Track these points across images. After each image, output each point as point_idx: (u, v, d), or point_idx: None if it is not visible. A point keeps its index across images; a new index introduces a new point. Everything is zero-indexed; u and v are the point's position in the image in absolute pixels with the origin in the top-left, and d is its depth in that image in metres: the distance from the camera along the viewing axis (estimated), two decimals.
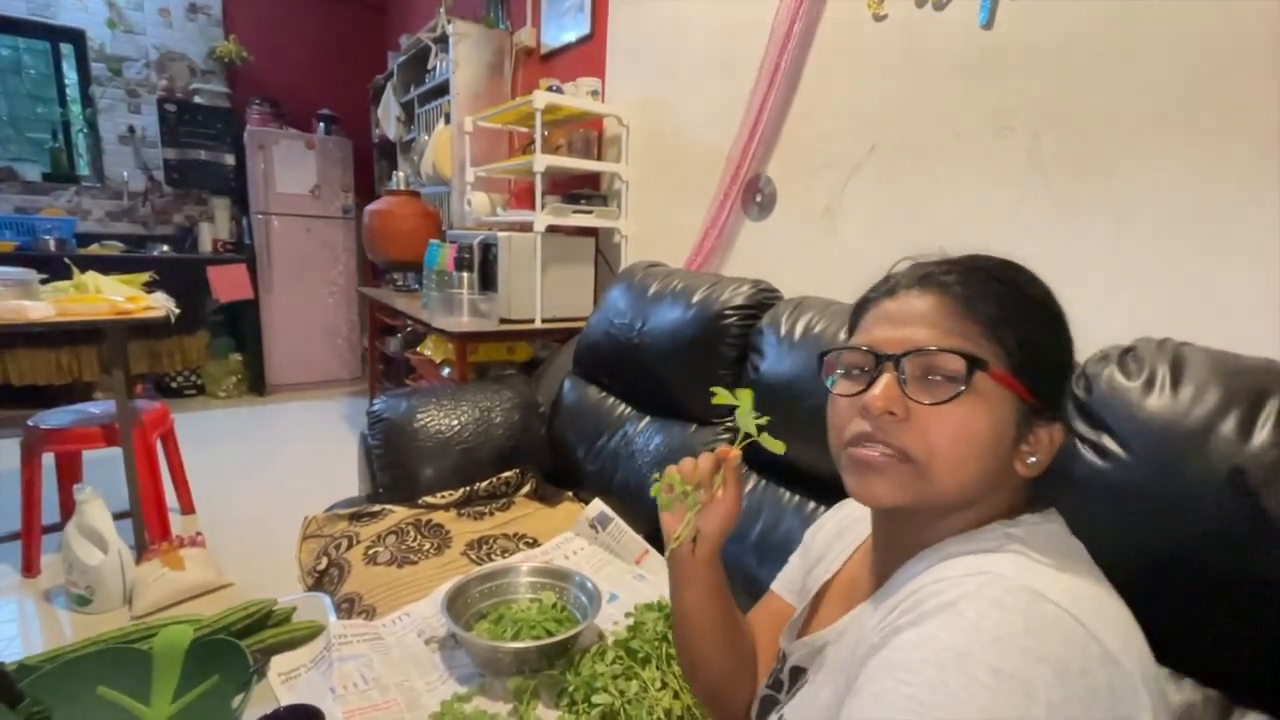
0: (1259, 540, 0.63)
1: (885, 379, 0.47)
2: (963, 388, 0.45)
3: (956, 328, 0.47)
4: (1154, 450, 0.71)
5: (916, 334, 0.47)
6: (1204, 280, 0.96)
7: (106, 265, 2.26)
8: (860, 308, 0.55)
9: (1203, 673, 0.68)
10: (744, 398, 0.63)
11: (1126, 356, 0.79)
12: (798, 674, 0.56)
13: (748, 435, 0.62)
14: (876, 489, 0.48)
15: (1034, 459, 0.48)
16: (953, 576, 0.42)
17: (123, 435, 1.82)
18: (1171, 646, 0.67)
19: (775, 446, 0.62)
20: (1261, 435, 0.65)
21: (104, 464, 2.08)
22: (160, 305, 1.89)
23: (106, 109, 3.76)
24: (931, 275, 0.50)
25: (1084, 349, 0.83)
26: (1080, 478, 0.76)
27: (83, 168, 3.84)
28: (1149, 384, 0.75)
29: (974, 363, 0.45)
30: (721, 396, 0.64)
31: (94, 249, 3.50)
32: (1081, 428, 0.78)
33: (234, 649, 0.80)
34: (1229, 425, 0.67)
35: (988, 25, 1.18)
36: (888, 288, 0.53)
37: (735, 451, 0.61)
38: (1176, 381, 0.73)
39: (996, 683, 0.36)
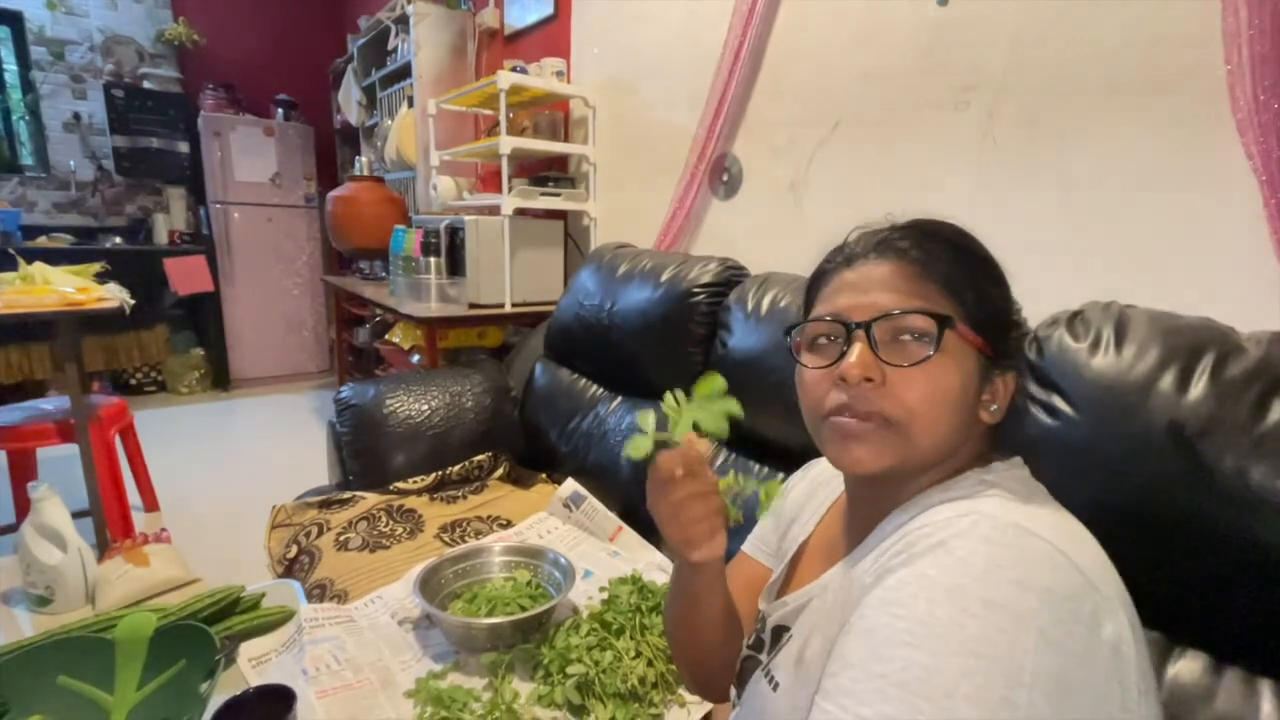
0: (1195, 488, 0.66)
1: (859, 347, 0.48)
2: (934, 348, 0.46)
3: (918, 290, 0.48)
4: (1100, 407, 0.74)
5: (881, 299, 0.48)
6: (1148, 244, 1.00)
7: (55, 258, 2.17)
8: (817, 279, 0.56)
9: (1145, 615, 0.71)
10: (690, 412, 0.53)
11: (1075, 320, 0.82)
12: (780, 632, 0.57)
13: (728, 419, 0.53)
14: (861, 456, 0.48)
15: (995, 406, 0.51)
16: (941, 519, 0.43)
17: (78, 430, 1.76)
18: None
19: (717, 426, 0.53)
20: (1197, 389, 0.69)
21: (60, 462, 2.01)
22: (114, 296, 1.83)
23: (49, 95, 3.59)
24: (887, 241, 0.51)
25: (1036, 314, 0.87)
26: (1032, 436, 0.78)
27: (26, 157, 3.67)
28: (1095, 345, 0.78)
29: (943, 321, 0.47)
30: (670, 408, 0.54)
31: (41, 241, 3.36)
32: (1033, 389, 0.81)
33: (200, 634, 0.79)
34: (1168, 381, 0.70)
35: (943, 2, 1.19)
36: (844, 257, 0.53)
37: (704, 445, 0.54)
38: (1120, 341, 0.76)
39: (987, 613, 0.37)
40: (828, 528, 0.63)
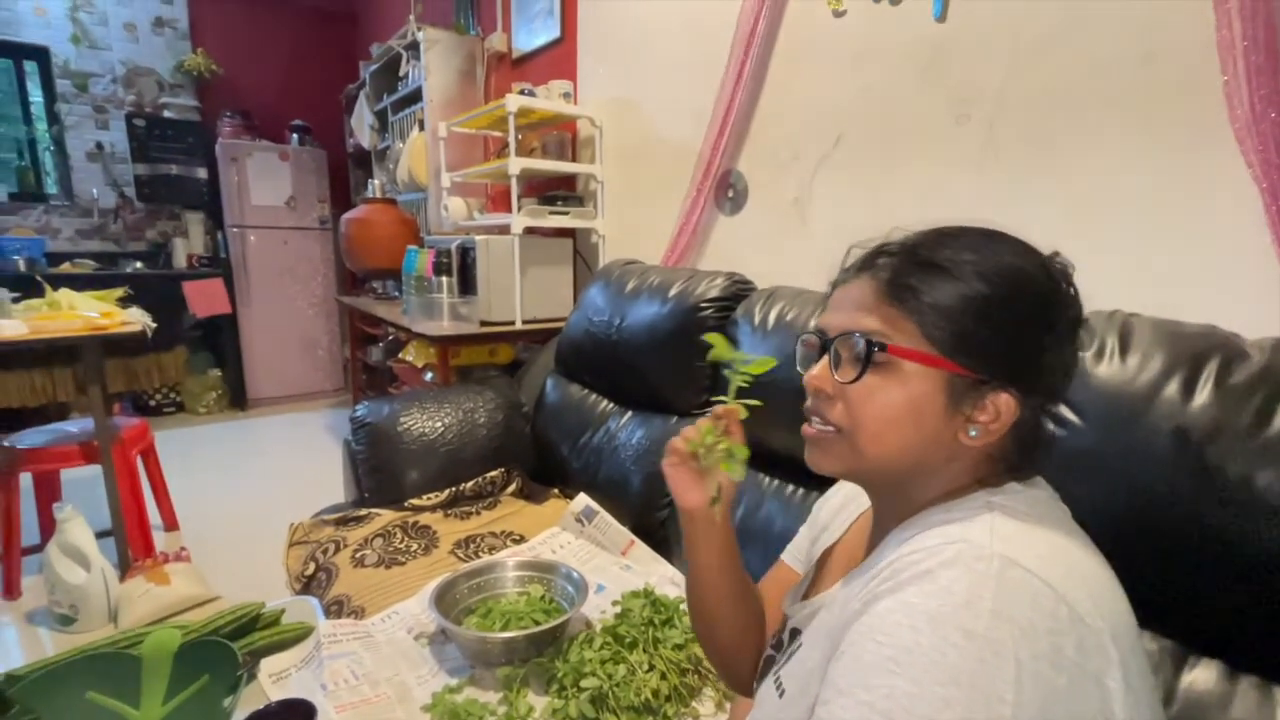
0: (1202, 495, 0.67)
1: (821, 361, 0.53)
2: (860, 370, 0.49)
3: (879, 311, 0.50)
4: (1105, 416, 0.75)
5: (845, 318, 0.52)
6: (1152, 252, 1.00)
7: (78, 284, 2.22)
8: (830, 293, 0.59)
9: (1158, 624, 0.71)
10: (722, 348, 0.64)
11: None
12: (795, 635, 0.59)
13: (740, 389, 0.62)
14: (817, 459, 0.54)
15: (976, 430, 0.48)
16: (930, 546, 0.44)
17: (102, 452, 1.80)
18: (1129, 601, 0.71)
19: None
20: (1201, 396, 0.69)
21: (83, 483, 2.05)
22: (136, 320, 1.88)
23: (73, 126, 3.71)
24: (868, 261, 0.53)
25: None
26: None
27: (50, 186, 3.78)
28: (1099, 353, 0.78)
29: (871, 344, 0.49)
30: (718, 350, 0.64)
31: (65, 268, 3.45)
32: None
33: (223, 650, 0.80)
34: (1172, 388, 0.71)
35: (941, 18, 1.22)
36: (842, 275, 0.57)
37: (733, 407, 0.63)
38: (1124, 350, 0.77)
39: (967, 643, 0.38)
40: (853, 537, 0.65)
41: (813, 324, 0.57)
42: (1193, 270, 0.96)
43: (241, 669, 0.78)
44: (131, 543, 1.89)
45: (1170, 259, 0.98)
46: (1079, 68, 1.05)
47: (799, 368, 0.57)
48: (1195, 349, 0.72)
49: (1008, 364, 0.49)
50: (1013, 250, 0.51)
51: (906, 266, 0.50)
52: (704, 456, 0.62)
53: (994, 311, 0.48)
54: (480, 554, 1.29)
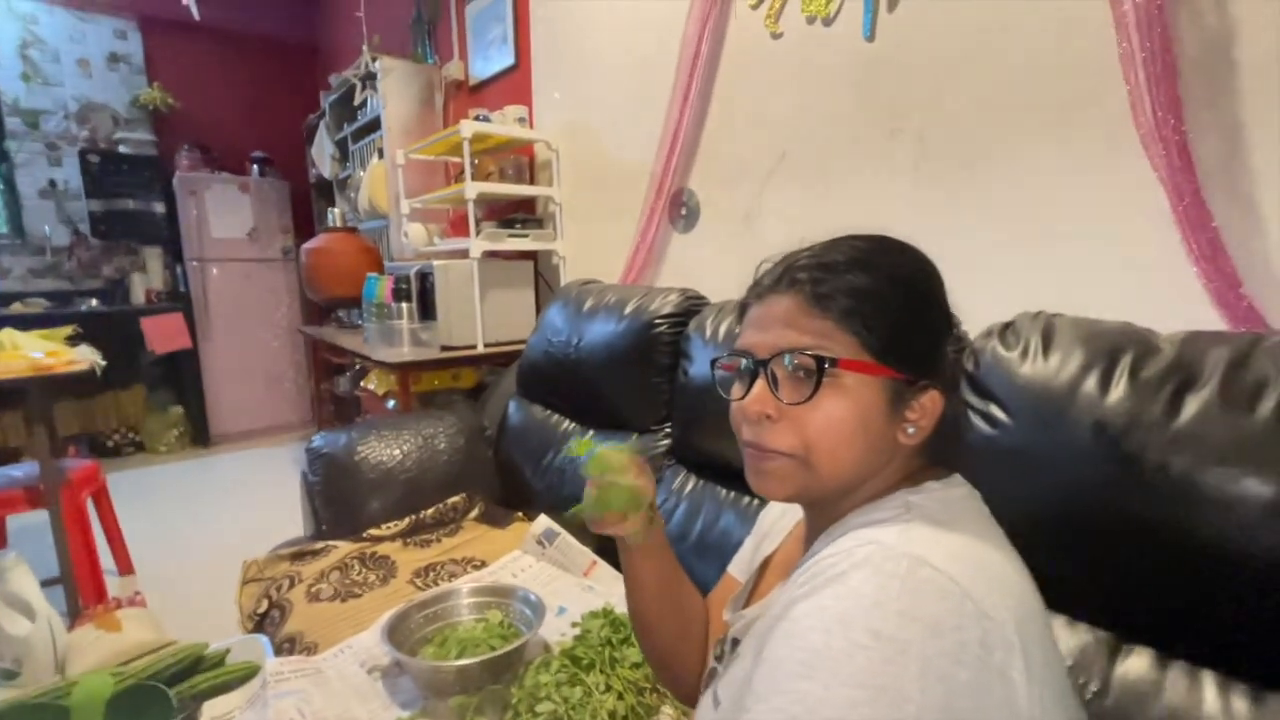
0: (1124, 485, 0.69)
1: (758, 385, 0.51)
2: (815, 387, 0.48)
3: (811, 326, 0.49)
4: (1031, 412, 0.77)
5: (777, 337, 0.50)
6: (1074, 253, 1.04)
7: (29, 324, 2.17)
8: (742, 311, 0.58)
9: (1093, 615, 0.73)
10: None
11: (1006, 330, 0.86)
12: (735, 645, 0.59)
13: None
14: (768, 486, 0.52)
15: (913, 429, 0.50)
16: (846, 549, 0.44)
17: (48, 495, 1.74)
18: (1064, 593, 0.72)
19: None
20: (1117, 390, 0.72)
21: (31, 530, 1.98)
22: (84, 359, 1.83)
23: (24, 164, 3.63)
24: (786, 275, 0.52)
25: (973, 327, 0.90)
26: (973, 444, 0.81)
27: (0, 225, 3.69)
28: (1024, 353, 0.81)
29: (821, 361, 0.48)
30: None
31: (15, 308, 3.36)
32: (972, 398, 0.83)
33: (159, 695, 0.78)
34: (1091, 383, 0.74)
35: (870, 38, 1.26)
36: (756, 291, 0.55)
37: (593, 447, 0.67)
38: (1047, 348, 0.80)
39: (875, 643, 0.39)
40: (791, 545, 0.66)
41: (736, 345, 0.54)
42: (1110, 269, 1.00)
43: (177, 715, 0.76)
44: (82, 589, 1.82)
45: (1089, 259, 1.02)
46: (998, 81, 1.10)
47: (722, 393, 0.55)
48: (1111, 345, 0.75)
49: (930, 361, 0.51)
50: (902, 249, 0.54)
51: (826, 278, 0.50)
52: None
53: (913, 312, 0.51)
54: (439, 582, 1.27)
